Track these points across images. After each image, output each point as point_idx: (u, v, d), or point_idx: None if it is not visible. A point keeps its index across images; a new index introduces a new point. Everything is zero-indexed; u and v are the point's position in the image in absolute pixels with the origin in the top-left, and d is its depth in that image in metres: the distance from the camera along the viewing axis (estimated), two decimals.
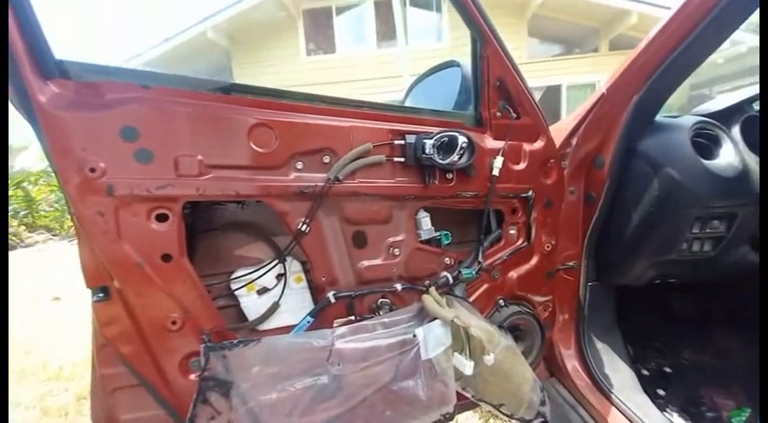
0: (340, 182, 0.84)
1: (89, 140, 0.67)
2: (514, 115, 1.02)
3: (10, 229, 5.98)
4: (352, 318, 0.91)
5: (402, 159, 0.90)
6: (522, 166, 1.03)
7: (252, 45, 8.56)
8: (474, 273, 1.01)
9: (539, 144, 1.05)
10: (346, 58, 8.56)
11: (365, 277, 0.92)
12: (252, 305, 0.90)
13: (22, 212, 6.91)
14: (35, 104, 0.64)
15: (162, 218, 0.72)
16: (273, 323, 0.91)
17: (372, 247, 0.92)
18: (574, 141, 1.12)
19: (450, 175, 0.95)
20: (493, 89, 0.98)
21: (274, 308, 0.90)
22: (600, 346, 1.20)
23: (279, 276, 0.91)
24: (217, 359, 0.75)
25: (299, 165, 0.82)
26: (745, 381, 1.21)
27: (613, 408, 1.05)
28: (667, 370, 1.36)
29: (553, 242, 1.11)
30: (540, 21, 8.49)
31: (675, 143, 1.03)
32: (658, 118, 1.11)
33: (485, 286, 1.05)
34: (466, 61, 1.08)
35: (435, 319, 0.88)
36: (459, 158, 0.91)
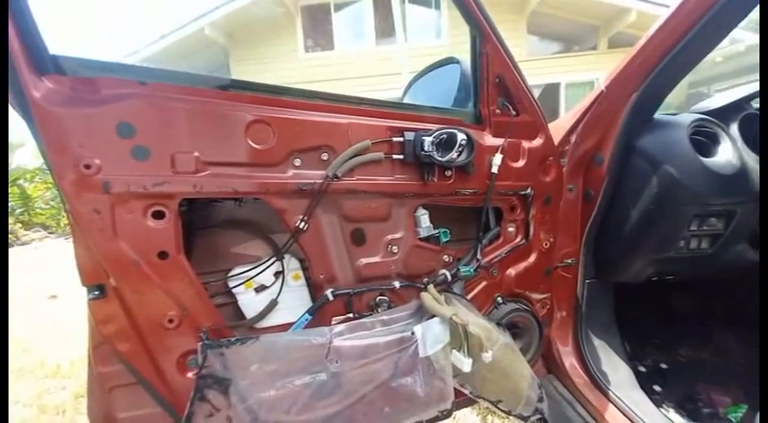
0: (338, 179, 0.83)
1: (84, 137, 0.66)
2: (514, 112, 1.01)
3: None
4: (351, 315, 0.90)
5: (401, 156, 0.90)
6: (521, 163, 1.03)
7: (250, 42, 8.51)
8: (472, 270, 1.00)
9: (538, 141, 1.05)
10: (345, 55, 8.52)
11: (364, 275, 0.92)
12: (250, 303, 0.90)
13: (19, 210, 6.88)
14: (29, 100, 0.63)
15: (158, 215, 0.72)
16: (271, 321, 0.91)
17: (371, 244, 0.92)
18: (573, 139, 1.12)
19: (448, 173, 0.95)
20: (492, 86, 0.98)
21: (272, 305, 0.89)
22: (597, 343, 1.21)
23: (277, 274, 0.91)
24: (215, 357, 0.75)
25: (298, 162, 0.81)
26: (743, 378, 1.22)
27: (610, 404, 1.06)
28: (664, 366, 1.37)
29: (551, 239, 1.11)
30: (539, 18, 8.47)
31: (674, 141, 1.03)
32: (657, 115, 1.11)
33: (483, 284, 1.05)
34: (465, 58, 1.08)
35: (434, 316, 0.88)
36: (458, 156, 0.90)
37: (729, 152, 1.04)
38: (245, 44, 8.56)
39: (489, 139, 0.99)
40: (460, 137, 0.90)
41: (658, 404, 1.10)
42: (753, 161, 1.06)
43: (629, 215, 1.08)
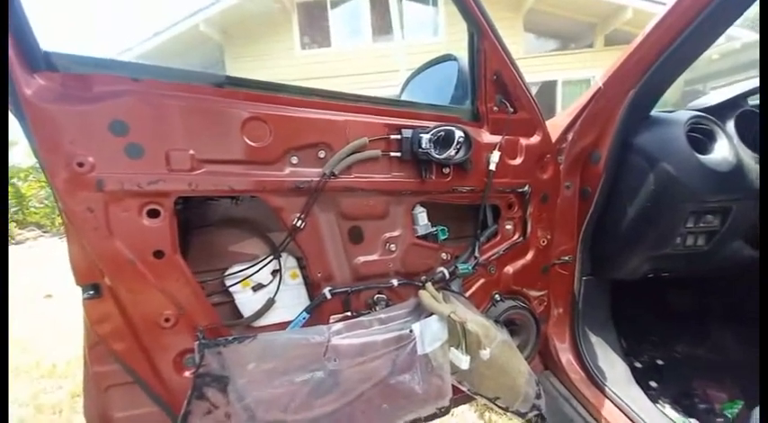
0: (335, 177, 0.83)
1: (77, 134, 0.65)
2: (511, 110, 1.01)
3: None
4: (349, 313, 0.90)
5: (398, 154, 0.89)
6: (518, 160, 1.03)
7: (245, 39, 8.44)
8: (470, 268, 1.00)
9: (535, 139, 1.05)
10: (342, 53, 8.47)
11: (361, 273, 0.91)
12: (247, 301, 0.89)
13: (13, 209, 6.82)
14: (21, 97, 0.62)
15: (153, 214, 0.71)
16: (269, 319, 0.90)
17: (368, 242, 0.92)
18: (570, 136, 1.12)
19: (446, 170, 0.95)
20: (490, 83, 0.98)
21: (270, 304, 0.89)
22: (594, 339, 1.22)
23: (274, 272, 0.90)
24: (212, 356, 0.74)
25: (294, 159, 0.81)
26: (739, 374, 1.23)
27: (607, 400, 1.07)
28: (660, 363, 1.38)
29: (549, 237, 1.12)
30: (536, 16, 8.46)
31: (671, 138, 1.04)
32: (654, 113, 1.12)
33: (481, 281, 1.05)
34: (462, 55, 1.07)
35: (432, 314, 0.88)
36: (456, 153, 0.90)
37: (726, 149, 1.05)
38: (241, 41, 8.49)
39: (487, 137, 0.99)
40: (458, 134, 0.89)
41: (654, 400, 1.11)
42: (749, 158, 1.06)
43: (626, 212, 1.09)
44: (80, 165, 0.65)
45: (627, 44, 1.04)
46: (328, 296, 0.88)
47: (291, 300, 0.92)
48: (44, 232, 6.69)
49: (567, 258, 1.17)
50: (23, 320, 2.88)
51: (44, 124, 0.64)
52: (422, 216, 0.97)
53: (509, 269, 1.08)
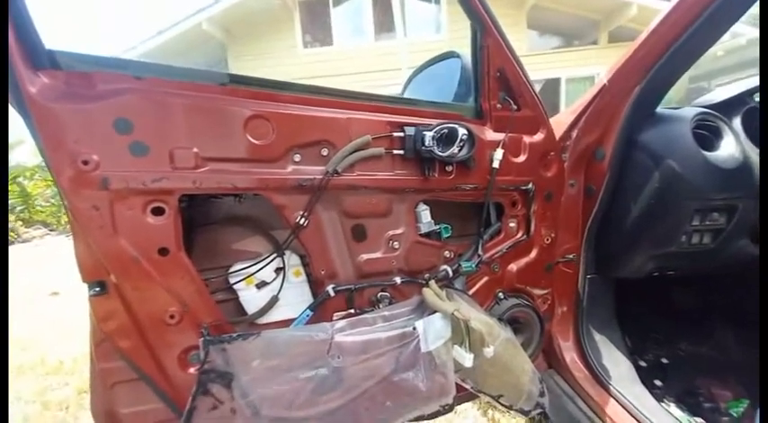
0: (338, 175, 0.83)
1: (81, 132, 0.65)
2: (515, 107, 1.00)
3: None
4: (352, 311, 0.90)
5: (401, 152, 0.89)
6: (522, 158, 1.03)
7: (248, 37, 8.45)
8: (474, 266, 1.00)
9: (539, 136, 1.04)
10: (344, 51, 8.47)
11: (364, 271, 0.91)
12: (251, 299, 0.90)
13: (19, 208, 6.88)
14: (25, 95, 0.63)
15: (158, 211, 0.71)
16: (273, 317, 0.91)
17: (372, 240, 0.92)
18: (574, 133, 1.12)
19: (449, 168, 0.94)
20: (493, 80, 0.97)
21: (273, 301, 0.89)
22: (598, 337, 1.21)
23: (278, 270, 0.91)
24: (216, 352, 0.75)
25: (297, 157, 0.81)
26: (744, 373, 1.22)
27: (611, 399, 1.06)
28: (665, 361, 1.37)
29: (553, 235, 1.11)
30: (539, 12, 8.41)
31: (677, 135, 1.03)
32: (659, 109, 1.11)
33: (484, 279, 1.05)
34: (465, 52, 1.07)
35: (435, 312, 0.88)
36: (459, 151, 0.90)
37: (732, 146, 1.04)
38: (243, 40, 8.50)
39: (490, 134, 0.99)
40: (461, 132, 0.89)
41: (659, 398, 1.10)
42: (755, 155, 1.05)
43: (631, 210, 1.08)
44: (85, 163, 0.66)
45: (631, 41, 1.03)
46: (331, 294, 0.88)
47: (295, 297, 0.92)
48: (50, 231, 6.74)
49: (571, 257, 1.17)
50: (30, 318, 2.91)
51: (48, 122, 0.64)
52: (425, 214, 0.97)
53: (513, 267, 1.08)
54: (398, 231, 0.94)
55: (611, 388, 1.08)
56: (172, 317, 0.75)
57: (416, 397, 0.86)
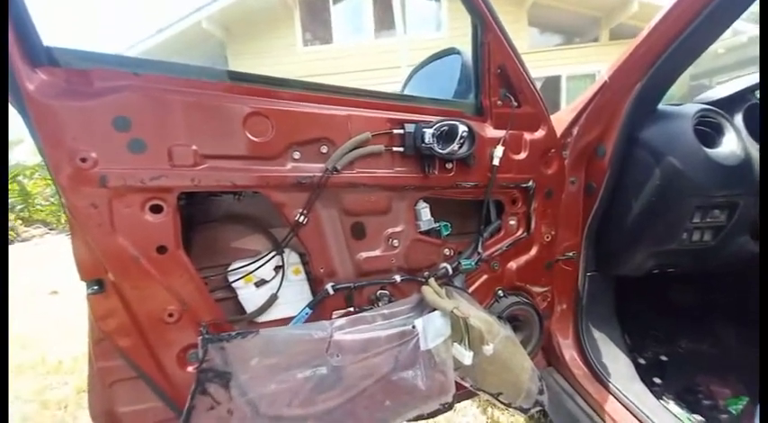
0: (338, 172, 0.83)
1: (79, 129, 0.65)
2: (515, 104, 1.00)
3: None
4: (351, 309, 0.90)
5: (401, 149, 0.89)
6: (522, 155, 1.02)
7: (247, 35, 8.42)
8: (473, 264, 1.00)
9: (540, 133, 1.04)
10: (344, 49, 8.43)
11: (364, 269, 0.91)
12: (250, 297, 0.90)
13: (19, 206, 6.87)
14: (23, 93, 0.62)
15: (156, 209, 0.71)
16: (272, 315, 0.90)
17: (371, 238, 0.91)
18: (575, 131, 1.11)
19: (449, 165, 0.94)
20: (494, 77, 0.97)
21: (273, 300, 0.89)
22: (598, 335, 1.21)
23: (277, 268, 0.90)
24: (215, 351, 0.74)
25: (296, 155, 0.80)
26: (743, 370, 1.22)
27: (610, 396, 1.06)
28: (664, 359, 1.37)
29: (553, 233, 1.11)
30: (540, 10, 8.37)
31: (678, 132, 1.02)
32: (661, 106, 1.10)
33: (484, 277, 1.05)
34: (466, 49, 1.06)
35: (435, 309, 0.87)
36: (460, 148, 0.89)
37: (733, 143, 1.03)
38: (243, 38, 8.47)
39: (491, 131, 0.98)
40: (461, 129, 0.89)
41: (658, 396, 1.10)
42: (756, 152, 1.05)
43: (632, 207, 1.08)
44: (83, 160, 0.65)
45: (632, 38, 1.02)
46: (331, 292, 0.87)
47: (294, 295, 0.92)
48: (50, 230, 6.74)
49: (571, 254, 1.17)
50: (30, 317, 2.91)
51: (46, 120, 0.64)
52: (425, 211, 0.97)
53: (512, 265, 1.08)
54: (398, 229, 0.94)
55: (610, 385, 1.08)
56: (170, 315, 0.75)
57: (416, 395, 0.86)
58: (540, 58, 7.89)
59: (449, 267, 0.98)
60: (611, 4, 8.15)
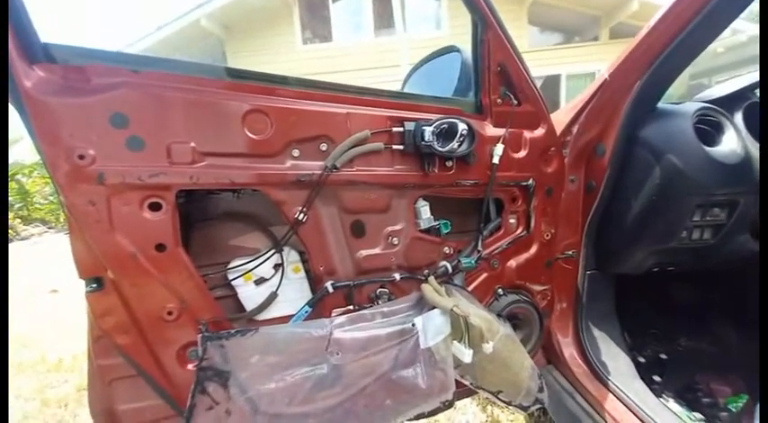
0: (338, 170, 0.82)
1: (77, 126, 0.65)
2: (515, 102, 1.00)
3: None
4: (351, 307, 0.90)
5: (401, 147, 0.89)
6: (522, 153, 1.02)
7: (246, 33, 8.40)
8: (473, 262, 1.00)
9: (540, 131, 1.04)
10: (343, 47, 8.41)
11: (364, 267, 0.91)
12: (249, 295, 0.89)
13: (17, 205, 6.86)
14: (20, 89, 0.62)
15: (155, 207, 0.71)
16: (272, 313, 0.90)
17: (371, 236, 0.91)
18: (575, 129, 1.11)
19: (449, 163, 0.94)
20: (494, 75, 0.96)
21: (272, 298, 0.89)
22: (597, 333, 1.21)
23: (276, 266, 0.90)
24: (214, 349, 0.74)
25: (296, 152, 0.80)
26: (743, 368, 1.22)
27: (610, 394, 1.06)
28: (664, 357, 1.37)
29: (553, 231, 1.11)
30: (539, 8, 8.35)
31: (678, 130, 1.02)
32: (660, 105, 1.10)
33: (484, 275, 1.05)
34: (466, 47, 1.06)
35: (434, 308, 0.87)
36: (459, 146, 0.89)
37: (733, 141, 1.03)
38: (242, 36, 8.44)
39: (490, 129, 0.98)
40: (461, 127, 0.88)
41: (658, 394, 1.11)
42: (757, 150, 1.05)
43: (632, 206, 1.08)
44: (81, 158, 0.65)
45: (632, 37, 1.02)
46: (330, 290, 0.87)
47: (294, 293, 0.92)
48: (49, 228, 6.73)
49: (571, 253, 1.17)
50: (29, 316, 2.90)
51: (44, 117, 0.63)
52: (424, 210, 0.96)
53: (512, 263, 1.07)
54: (398, 227, 0.93)
55: (610, 383, 1.08)
56: (170, 313, 0.74)
57: (416, 393, 0.86)
58: (540, 56, 7.88)
59: (448, 266, 0.97)
60: (612, 2, 8.13)
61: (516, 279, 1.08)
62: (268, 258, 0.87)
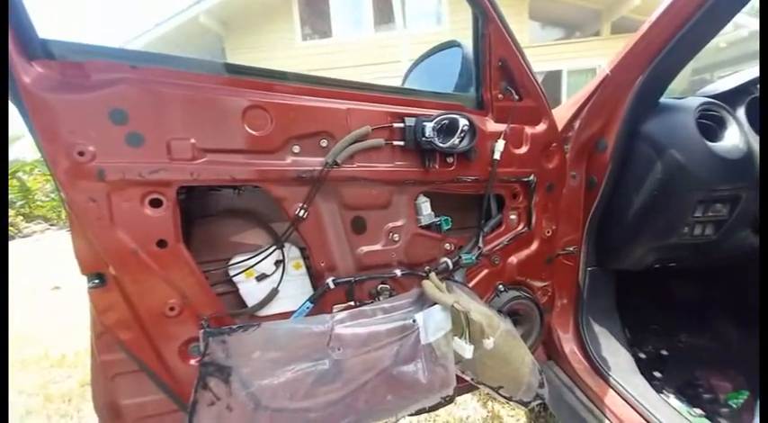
0: (338, 166, 0.82)
1: (76, 123, 0.64)
2: (516, 97, 0.99)
3: None
4: (352, 303, 0.90)
5: (401, 143, 0.88)
6: (523, 149, 1.02)
7: (245, 29, 8.35)
8: (474, 258, 1.00)
9: (541, 127, 1.03)
10: (343, 43, 8.37)
11: (364, 263, 0.91)
12: (251, 291, 0.90)
13: (19, 202, 6.87)
14: (19, 86, 0.62)
15: (156, 203, 0.71)
16: (273, 309, 0.91)
17: (372, 232, 0.91)
18: (576, 124, 1.11)
19: (450, 159, 0.93)
20: (495, 70, 0.96)
21: (273, 294, 0.89)
22: (598, 329, 1.21)
23: (277, 263, 0.90)
24: (216, 344, 0.75)
25: (296, 148, 0.80)
26: (744, 364, 1.23)
27: (610, 389, 1.07)
28: (664, 353, 1.37)
29: (554, 227, 1.11)
30: (541, 3, 8.29)
31: (680, 125, 1.02)
32: (663, 100, 1.09)
33: (485, 271, 1.05)
34: (467, 43, 1.05)
35: (435, 304, 0.87)
36: (460, 142, 0.89)
37: (736, 136, 1.03)
38: (241, 32, 8.40)
39: (492, 125, 0.98)
40: (462, 122, 0.88)
41: (658, 390, 1.11)
42: (758, 145, 1.04)
43: (633, 202, 1.07)
44: (81, 154, 0.65)
45: (634, 32, 1.01)
46: (331, 286, 0.87)
47: (295, 290, 0.92)
48: (51, 225, 6.75)
49: (571, 249, 1.16)
50: (32, 312, 2.92)
51: (43, 113, 0.63)
52: (425, 206, 0.96)
53: (513, 260, 1.07)
54: (398, 223, 0.93)
55: (610, 379, 1.08)
56: (172, 309, 0.75)
57: (417, 389, 0.86)
58: (541, 52, 7.83)
59: (449, 262, 0.98)
60: None
61: (517, 275, 1.08)
62: (269, 255, 0.87)
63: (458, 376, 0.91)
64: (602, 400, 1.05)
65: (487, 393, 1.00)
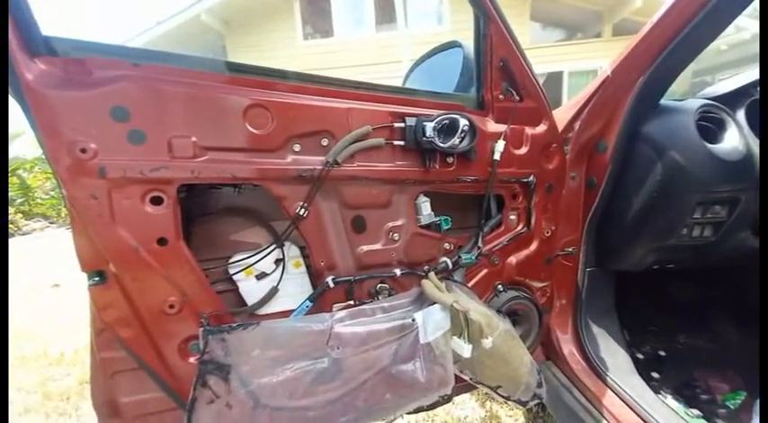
0: (338, 165, 0.82)
1: (78, 120, 0.65)
2: (517, 98, 0.99)
3: None
4: (352, 303, 0.90)
5: (402, 142, 0.89)
6: (523, 150, 1.02)
7: (247, 28, 8.35)
8: (473, 258, 1.00)
9: (541, 128, 1.03)
10: (344, 43, 8.37)
11: (364, 262, 0.91)
12: (251, 290, 0.90)
13: (19, 200, 6.87)
14: (22, 82, 0.62)
15: (156, 201, 0.71)
16: (272, 308, 0.91)
17: (371, 231, 0.91)
18: (577, 125, 1.11)
19: (450, 159, 0.94)
20: (496, 70, 0.96)
21: (273, 292, 0.89)
22: (596, 330, 1.22)
23: (277, 261, 0.91)
24: (216, 342, 0.75)
25: (297, 147, 0.80)
26: (741, 365, 1.23)
27: (608, 390, 1.07)
28: (662, 354, 1.38)
29: (553, 228, 1.11)
30: (542, 4, 8.29)
31: (680, 126, 1.02)
32: (663, 101, 1.10)
33: (484, 271, 1.05)
34: (468, 43, 1.05)
35: (434, 303, 0.88)
36: (461, 142, 0.89)
37: (736, 138, 1.03)
38: (242, 31, 8.40)
39: (492, 125, 0.98)
40: (463, 122, 0.88)
41: (656, 390, 1.11)
42: (758, 147, 1.04)
43: (632, 203, 1.08)
44: (83, 151, 0.65)
45: (635, 34, 1.01)
46: (331, 285, 0.88)
47: (295, 288, 0.92)
48: (51, 223, 6.74)
49: (571, 250, 1.17)
50: (31, 310, 2.92)
51: (45, 110, 0.63)
52: (425, 205, 0.97)
53: (512, 260, 1.08)
54: (398, 223, 0.94)
55: (608, 379, 1.08)
56: (171, 306, 0.75)
57: (415, 388, 0.87)
58: (543, 53, 7.83)
59: (449, 261, 0.98)
60: None
61: (516, 275, 1.09)
62: (269, 253, 0.87)
63: (456, 376, 0.92)
64: (599, 401, 1.05)
65: (486, 393, 1.01)
